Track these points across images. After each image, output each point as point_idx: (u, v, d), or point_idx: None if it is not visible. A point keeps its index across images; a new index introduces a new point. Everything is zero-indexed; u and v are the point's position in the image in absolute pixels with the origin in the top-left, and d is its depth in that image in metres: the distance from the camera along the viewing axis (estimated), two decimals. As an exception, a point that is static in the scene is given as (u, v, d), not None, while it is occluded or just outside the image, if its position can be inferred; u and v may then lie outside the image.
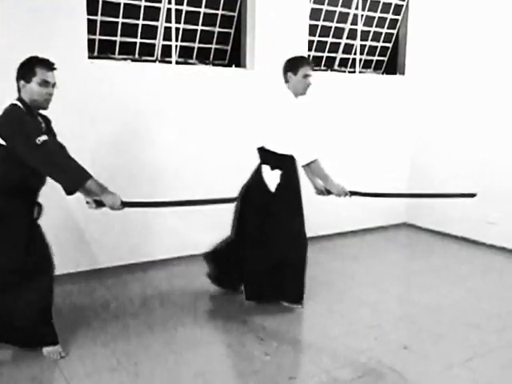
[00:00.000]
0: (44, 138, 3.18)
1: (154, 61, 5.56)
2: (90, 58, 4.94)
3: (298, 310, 4.44)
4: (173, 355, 3.64)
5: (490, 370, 3.51)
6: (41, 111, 3.45)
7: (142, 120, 5.21)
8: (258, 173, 4.34)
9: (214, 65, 5.88)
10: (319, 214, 5.77)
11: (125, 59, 5.38)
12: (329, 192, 4.29)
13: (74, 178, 3.25)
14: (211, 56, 5.90)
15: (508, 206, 6.07)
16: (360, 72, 6.96)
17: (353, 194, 4.25)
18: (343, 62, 6.84)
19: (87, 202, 3.45)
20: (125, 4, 5.19)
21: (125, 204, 3.40)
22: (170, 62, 5.53)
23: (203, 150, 5.58)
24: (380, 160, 6.88)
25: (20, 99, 3.33)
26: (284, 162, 4.24)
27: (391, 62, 7.24)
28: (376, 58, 7.13)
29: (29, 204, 3.44)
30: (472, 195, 4.46)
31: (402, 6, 6.98)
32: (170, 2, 5.40)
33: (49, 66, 3.34)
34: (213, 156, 5.63)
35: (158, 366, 3.50)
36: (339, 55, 6.76)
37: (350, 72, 6.85)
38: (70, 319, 4.11)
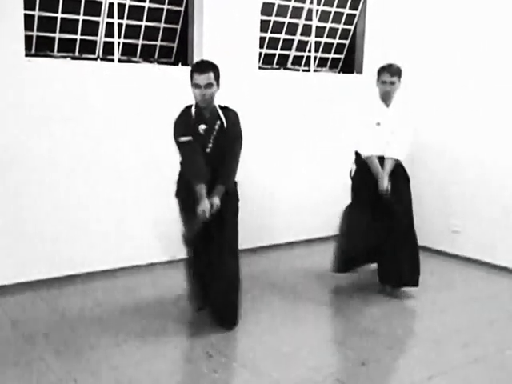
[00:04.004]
0: (185, 138, 3.97)
1: (96, 59, 5.45)
2: (27, 55, 4.84)
3: (247, 324, 4.26)
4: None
5: (453, 387, 3.42)
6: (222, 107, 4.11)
7: (82, 121, 5.10)
8: None
9: (159, 63, 5.77)
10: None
11: (64, 57, 5.26)
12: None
13: (192, 178, 4.00)
14: (156, 53, 5.80)
15: (473, 215, 5.99)
16: (315, 71, 6.84)
17: None
18: (297, 60, 6.73)
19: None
20: (64, -2, 5.10)
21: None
22: (113, 60, 5.44)
23: (148, 153, 5.44)
24: (334, 162, 6.64)
25: None
26: (357, 160, 5.01)
27: (348, 60, 7.16)
28: (332, 55, 7.04)
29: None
30: None
31: (360, 0, 6.83)
32: (112, -4, 5.31)
33: (199, 69, 3.94)
34: (159, 158, 5.44)
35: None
36: (293, 53, 6.66)
37: (304, 71, 6.72)
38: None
